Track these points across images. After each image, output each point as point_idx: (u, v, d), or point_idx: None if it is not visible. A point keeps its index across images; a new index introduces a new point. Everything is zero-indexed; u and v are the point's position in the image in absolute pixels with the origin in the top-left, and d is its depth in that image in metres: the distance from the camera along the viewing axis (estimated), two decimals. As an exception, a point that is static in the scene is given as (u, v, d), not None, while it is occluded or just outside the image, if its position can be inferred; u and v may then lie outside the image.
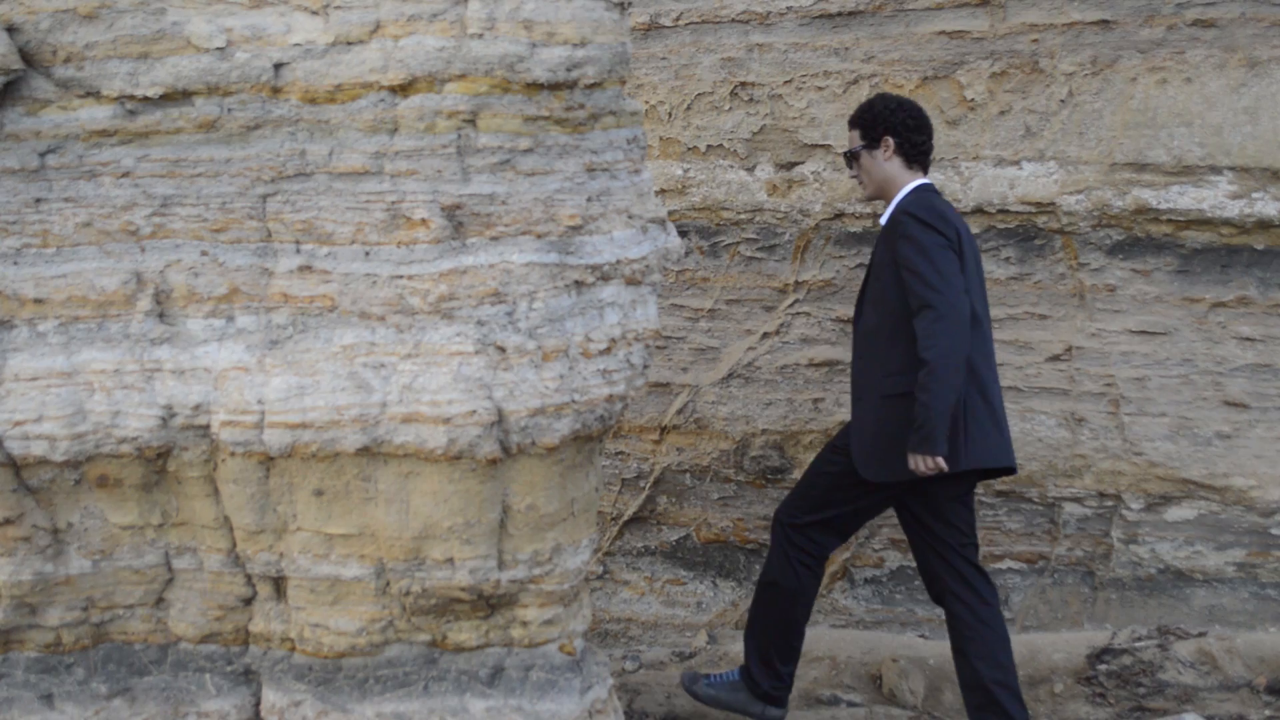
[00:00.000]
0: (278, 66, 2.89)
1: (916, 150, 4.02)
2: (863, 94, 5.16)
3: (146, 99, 2.91)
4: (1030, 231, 4.99)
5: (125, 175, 2.96)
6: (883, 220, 3.99)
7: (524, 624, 3.05)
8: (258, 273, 2.95)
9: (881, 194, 4.06)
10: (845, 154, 4.13)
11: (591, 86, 2.95)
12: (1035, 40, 4.92)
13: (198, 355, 2.96)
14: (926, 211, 3.82)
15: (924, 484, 3.88)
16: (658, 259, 3.10)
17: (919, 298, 3.70)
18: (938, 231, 3.76)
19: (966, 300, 3.71)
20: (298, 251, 2.94)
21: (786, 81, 5.28)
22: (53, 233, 2.97)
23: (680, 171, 5.51)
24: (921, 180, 4.01)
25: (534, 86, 2.88)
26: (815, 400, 5.34)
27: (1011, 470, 4.00)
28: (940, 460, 3.71)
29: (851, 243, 5.25)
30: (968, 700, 3.92)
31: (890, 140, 3.99)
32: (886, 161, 4.01)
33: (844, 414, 5.32)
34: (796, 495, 4.15)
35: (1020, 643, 4.80)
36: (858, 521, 4.16)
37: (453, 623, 3.04)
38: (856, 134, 4.08)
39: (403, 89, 2.87)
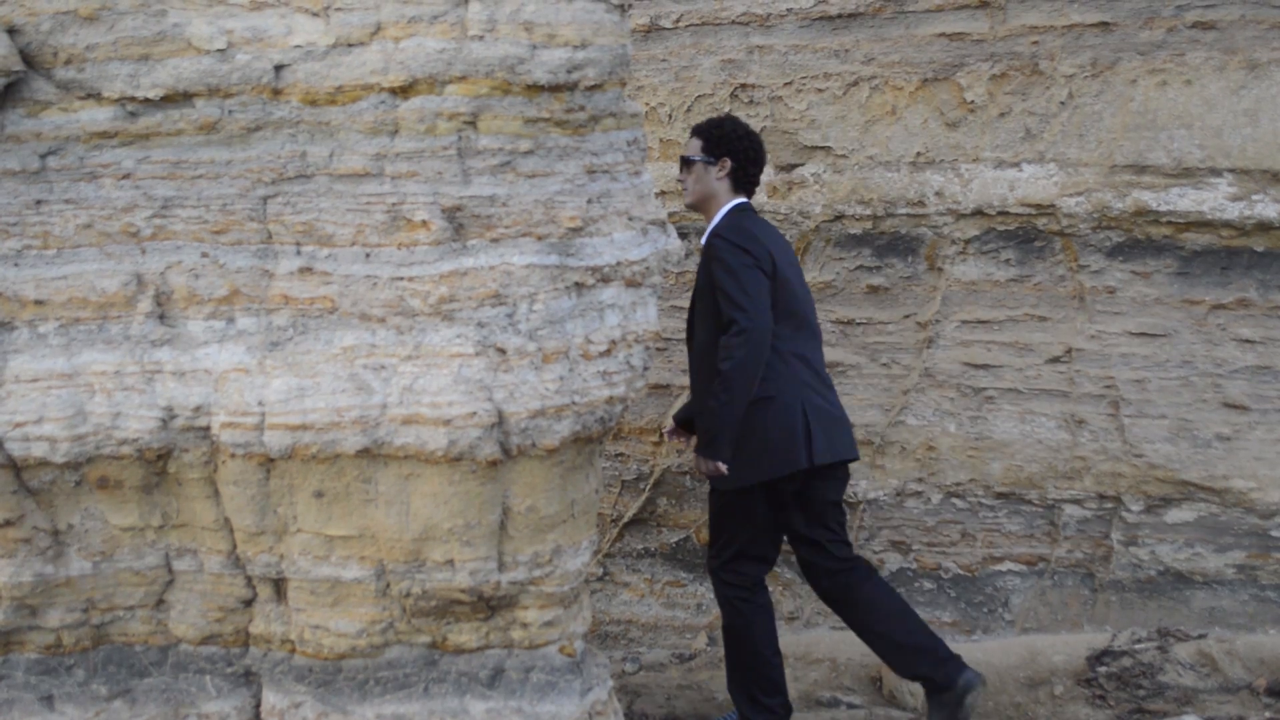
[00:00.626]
0: (278, 68, 2.89)
1: (747, 179, 4.28)
2: (863, 96, 5.16)
3: (147, 101, 2.92)
4: (1030, 233, 4.99)
5: (126, 177, 2.96)
6: (703, 241, 4.20)
7: (524, 626, 3.05)
8: (258, 274, 2.96)
9: (701, 206, 4.29)
10: (681, 158, 4.33)
11: (592, 88, 2.96)
12: (1035, 42, 4.92)
13: (198, 357, 2.96)
14: (736, 233, 4.06)
15: (800, 485, 4.08)
16: (658, 261, 3.11)
17: (726, 315, 3.93)
18: (745, 251, 3.99)
19: (769, 318, 3.94)
20: (298, 253, 2.94)
21: (786, 83, 5.28)
22: (53, 234, 2.97)
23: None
24: (739, 200, 4.24)
25: (534, 88, 2.88)
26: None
27: (854, 458, 4.27)
28: (721, 465, 3.97)
29: (851, 245, 5.26)
30: (894, 666, 4.13)
31: (728, 162, 4.23)
32: (717, 180, 4.25)
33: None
34: (710, 539, 4.33)
35: (1020, 644, 4.80)
36: (770, 539, 4.27)
37: (453, 624, 3.04)
38: (698, 144, 4.29)
39: (403, 91, 2.87)
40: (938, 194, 5.06)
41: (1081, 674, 4.59)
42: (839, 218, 5.23)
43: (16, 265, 2.97)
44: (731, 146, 4.22)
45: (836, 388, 5.30)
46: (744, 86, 5.36)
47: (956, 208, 5.04)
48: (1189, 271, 4.83)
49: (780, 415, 4.01)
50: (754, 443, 3.99)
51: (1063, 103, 4.91)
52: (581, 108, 2.96)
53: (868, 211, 5.17)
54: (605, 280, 2.99)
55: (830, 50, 5.22)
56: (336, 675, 3.05)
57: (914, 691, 4.55)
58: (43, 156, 2.96)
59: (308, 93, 2.89)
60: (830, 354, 5.30)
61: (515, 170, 2.91)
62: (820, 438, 4.04)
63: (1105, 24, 4.82)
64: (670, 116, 5.51)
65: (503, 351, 2.85)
